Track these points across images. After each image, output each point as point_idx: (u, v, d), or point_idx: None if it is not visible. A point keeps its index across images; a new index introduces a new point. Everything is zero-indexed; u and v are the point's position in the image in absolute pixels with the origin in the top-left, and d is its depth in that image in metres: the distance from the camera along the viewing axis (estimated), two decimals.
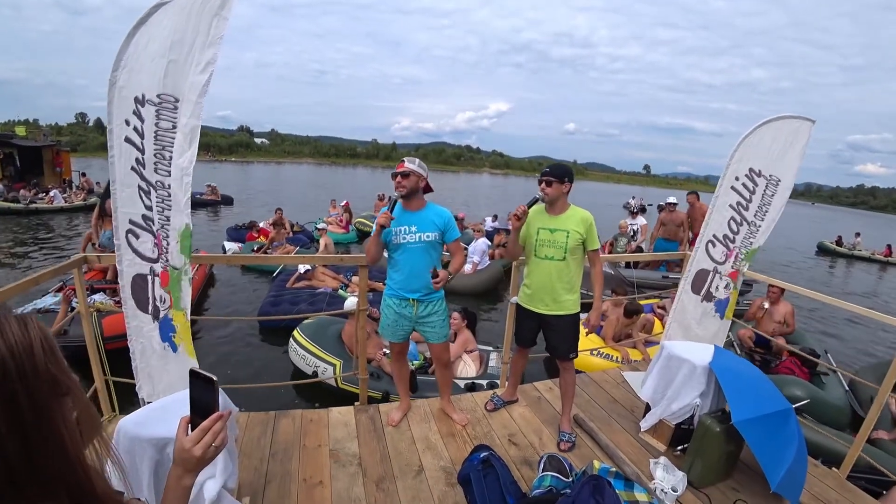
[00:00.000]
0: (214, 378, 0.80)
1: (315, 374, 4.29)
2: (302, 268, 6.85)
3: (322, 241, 8.63)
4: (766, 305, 5.42)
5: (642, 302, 6.08)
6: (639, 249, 8.10)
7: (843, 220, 47.98)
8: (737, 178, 3.06)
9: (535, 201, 2.57)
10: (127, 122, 1.88)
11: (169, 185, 2.01)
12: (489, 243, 8.96)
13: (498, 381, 3.76)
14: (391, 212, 2.43)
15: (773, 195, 3.13)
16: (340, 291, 6.61)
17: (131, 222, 1.96)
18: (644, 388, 2.81)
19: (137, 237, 1.98)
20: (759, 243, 3.21)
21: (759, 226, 3.18)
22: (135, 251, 1.99)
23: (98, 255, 2.43)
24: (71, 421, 0.58)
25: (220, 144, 72.27)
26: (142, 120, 1.90)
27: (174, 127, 1.96)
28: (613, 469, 2.19)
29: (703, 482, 2.38)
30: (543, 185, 2.52)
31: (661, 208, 8.58)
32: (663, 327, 5.42)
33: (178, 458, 0.79)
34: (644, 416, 2.84)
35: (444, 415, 2.88)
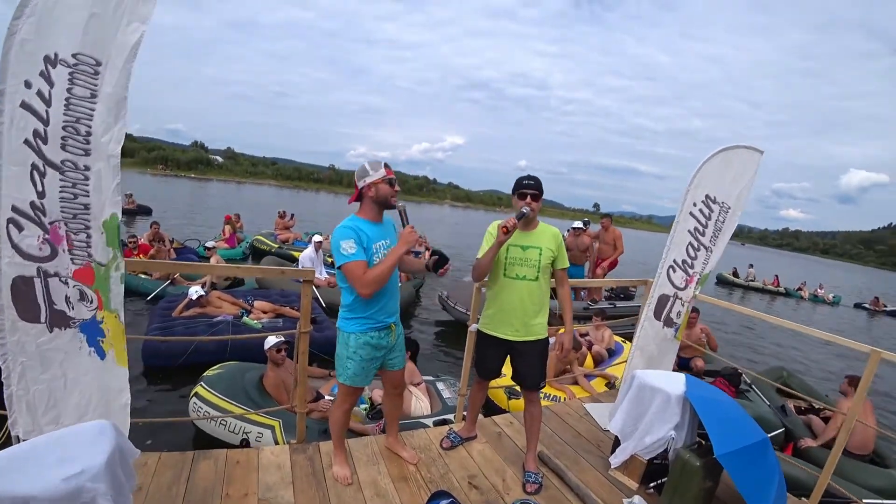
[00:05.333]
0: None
1: (246, 443, 3.41)
2: (193, 293, 5.70)
3: (213, 260, 7.98)
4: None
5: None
6: None
7: (770, 260, 52.03)
8: (694, 204, 3.08)
9: (522, 216, 2.29)
10: (28, 84, 1.51)
11: (86, 167, 1.65)
12: None
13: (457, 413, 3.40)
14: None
15: (723, 222, 3.19)
16: (245, 319, 5.66)
17: (14, 209, 1.56)
18: (613, 420, 2.62)
19: (21, 229, 1.58)
20: (710, 268, 3.24)
21: (712, 250, 3.21)
22: (15, 247, 1.58)
23: None
24: None
25: (178, 159, 67.93)
26: (51, 84, 1.55)
27: (93, 96, 1.62)
28: None
29: None
30: (529, 199, 2.30)
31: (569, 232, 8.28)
32: (592, 356, 5.42)
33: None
34: (613, 451, 2.63)
35: (393, 453, 2.54)
